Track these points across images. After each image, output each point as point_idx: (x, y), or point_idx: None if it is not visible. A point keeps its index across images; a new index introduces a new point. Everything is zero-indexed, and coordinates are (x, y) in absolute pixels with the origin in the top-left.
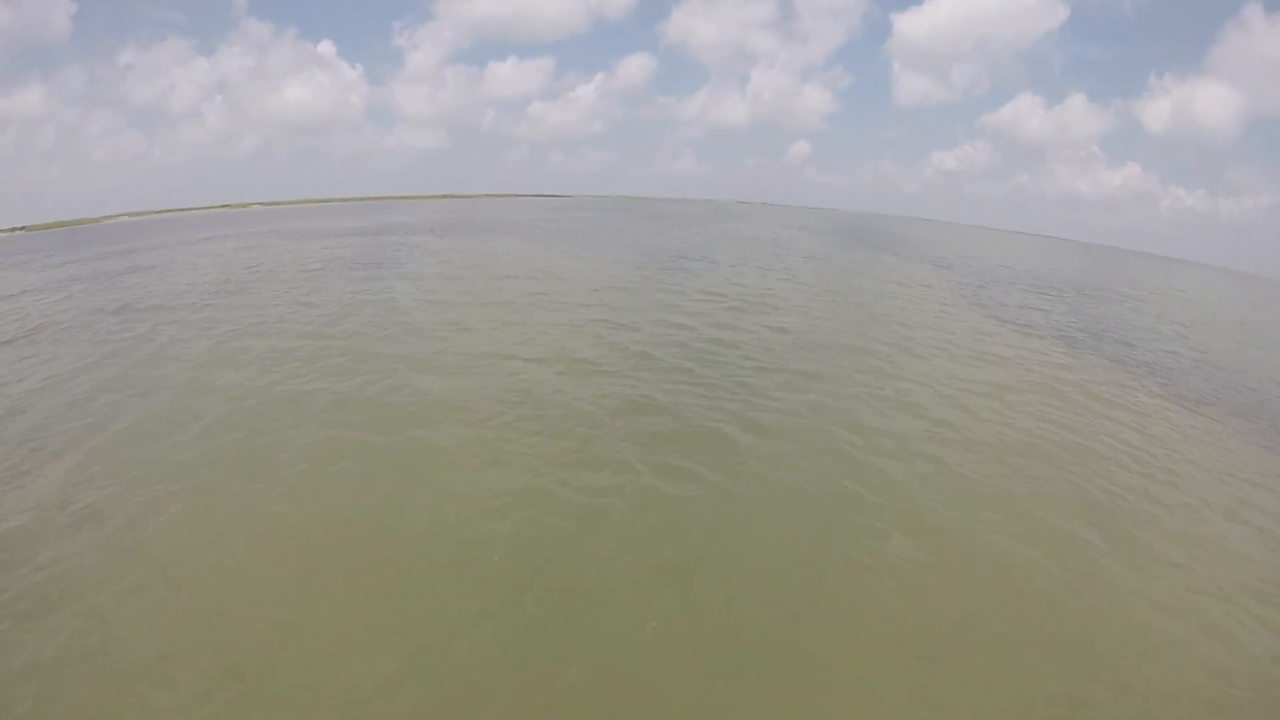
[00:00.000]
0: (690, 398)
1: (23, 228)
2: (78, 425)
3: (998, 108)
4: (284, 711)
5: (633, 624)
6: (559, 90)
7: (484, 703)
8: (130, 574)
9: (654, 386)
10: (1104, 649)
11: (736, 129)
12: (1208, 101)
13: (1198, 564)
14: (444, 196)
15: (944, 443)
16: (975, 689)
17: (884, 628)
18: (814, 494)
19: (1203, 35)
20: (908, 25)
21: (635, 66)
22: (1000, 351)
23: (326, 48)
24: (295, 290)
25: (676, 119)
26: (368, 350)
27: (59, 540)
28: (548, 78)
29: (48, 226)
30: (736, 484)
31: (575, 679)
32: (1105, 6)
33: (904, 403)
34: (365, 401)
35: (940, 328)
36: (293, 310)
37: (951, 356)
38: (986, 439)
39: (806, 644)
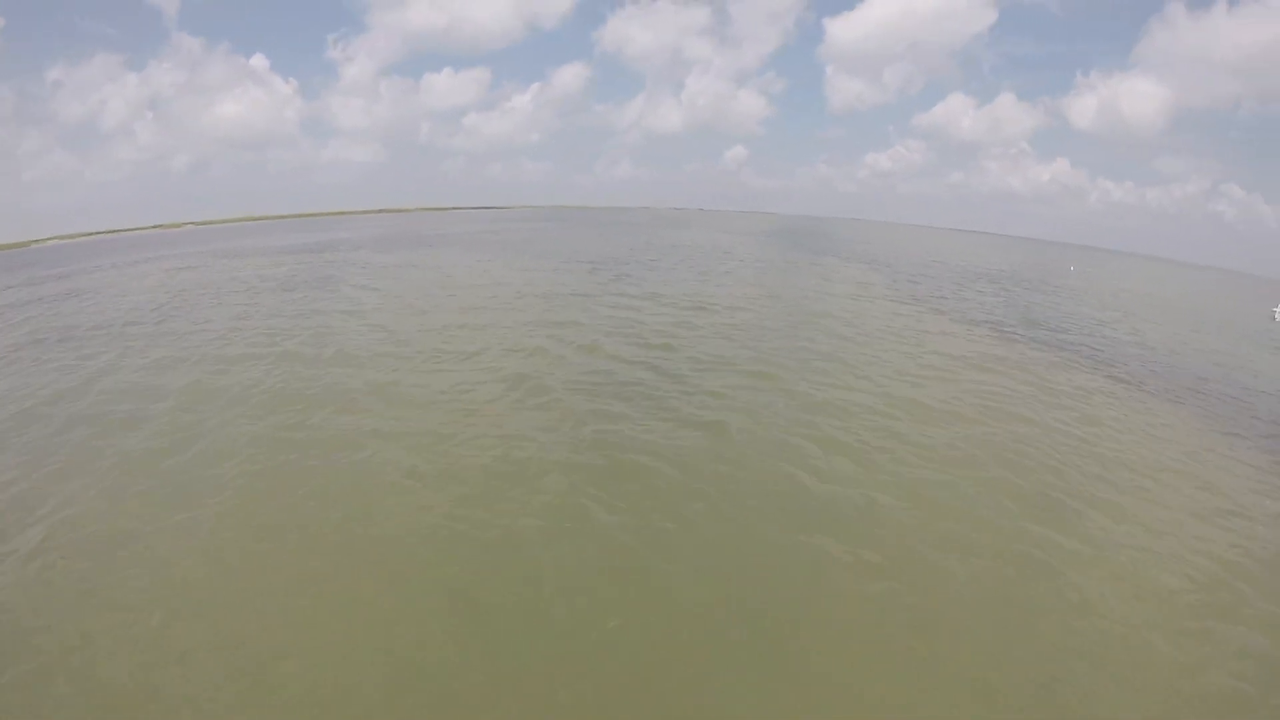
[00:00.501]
0: (645, 400)
1: None
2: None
3: (930, 108)
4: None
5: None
6: (495, 100)
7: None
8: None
9: (611, 390)
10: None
11: (673, 135)
12: (1133, 96)
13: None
14: (381, 211)
15: (891, 434)
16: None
17: (847, 620)
18: (765, 486)
19: (1127, 32)
20: (840, 29)
21: (571, 75)
22: (940, 343)
23: (259, 61)
24: (234, 310)
25: (613, 127)
26: (319, 373)
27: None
28: (483, 88)
29: None
30: (694, 480)
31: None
32: (1033, 7)
33: (851, 394)
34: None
35: (883, 325)
36: (233, 331)
37: (895, 351)
38: (936, 425)
39: (778, 637)
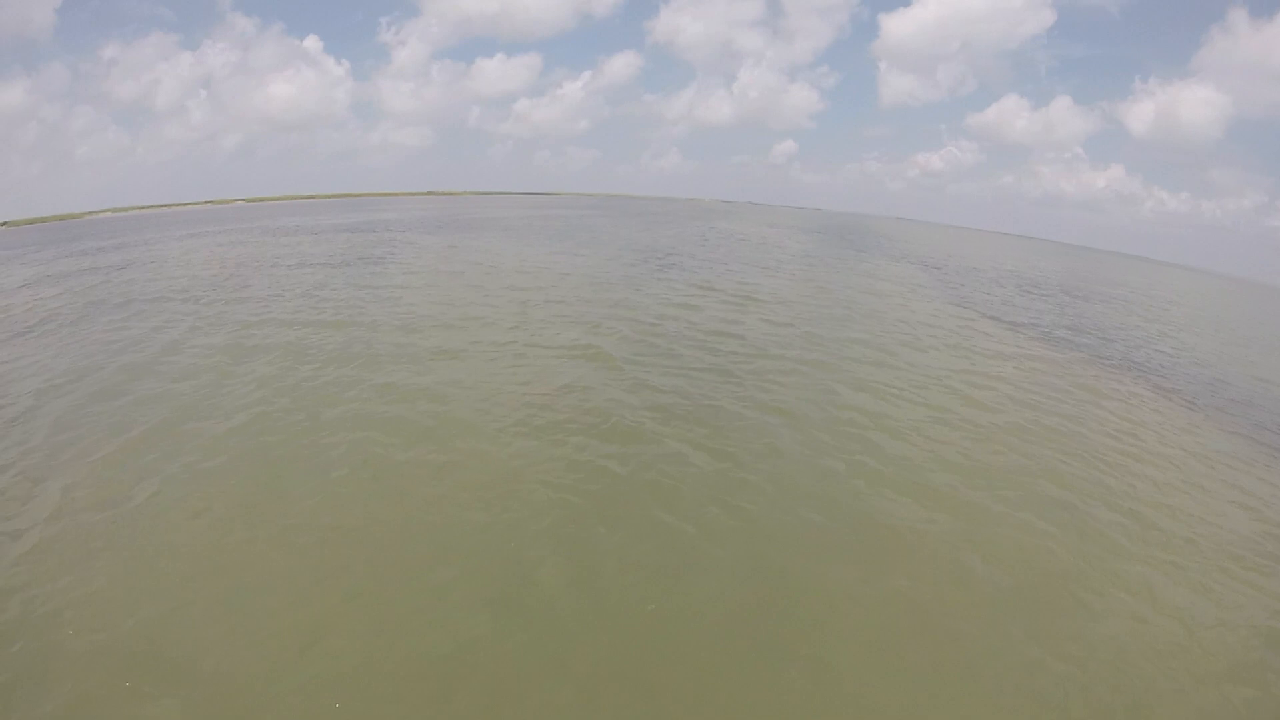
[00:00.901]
0: (692, 386)
1: (4, 223)
2: (106, 419)
3: (983, 108)
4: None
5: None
6: (545, 87)
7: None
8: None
9: (660, 375)
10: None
11: (722, 127)
12: (1192, 104)
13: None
14: (428, 194)
15: (939, 433)
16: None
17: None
18: (810, 478)
19: (1188, 38)
20: (895, 25)
21: (622, 64)
22: (991, 347)
23: (313, 43)
24: (298, 286)
25: (662, 117)
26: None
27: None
28: (534, 75)
29: (29, 222)
30: (738, 469)
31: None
32: (1091, 9)
33: (899, 392)
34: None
35: (932, 324)
36: (299, 306)
37: (947, 352)
38: (980, 427)
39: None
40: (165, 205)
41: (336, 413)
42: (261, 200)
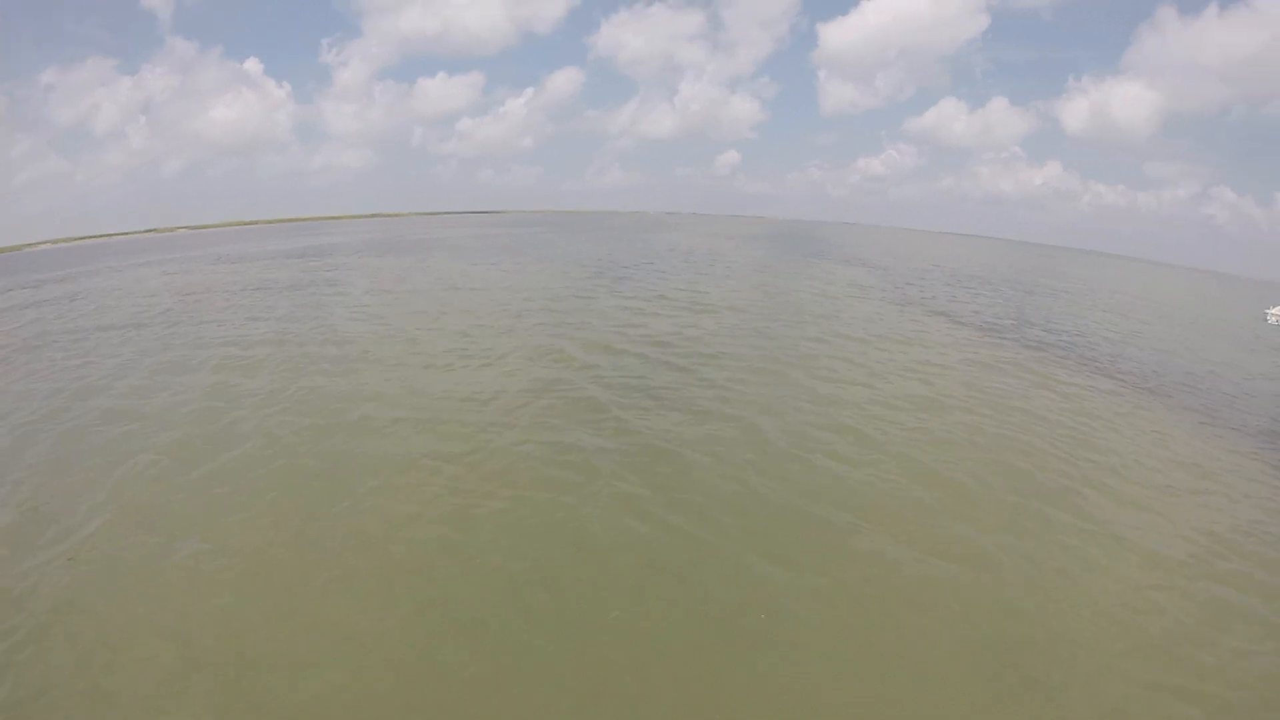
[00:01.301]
0: (662, 394)
1: None
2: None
3: (922, 113)
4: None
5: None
6: (488, 105)
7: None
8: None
9: (629, 386)
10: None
11: (665, 140)
12: (1124, 100)
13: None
14: (373, 216)
15: (895, 426)
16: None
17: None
18: (768, 473)
19: (1118, 37)
20: (834, 34)
21: (564, 80)
22: (934, 339)
23: (253, 65)
24: (239, 314)
25: (606, 132)
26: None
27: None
28: (476, 93)
29: None
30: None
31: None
32: (1024, 12)
33: (853, 388)
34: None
35: (877, 323)
36: (259, 332)
37: (891, 351)
38: (934, 415)
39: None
40: (107, 235)
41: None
42: (205, 227)
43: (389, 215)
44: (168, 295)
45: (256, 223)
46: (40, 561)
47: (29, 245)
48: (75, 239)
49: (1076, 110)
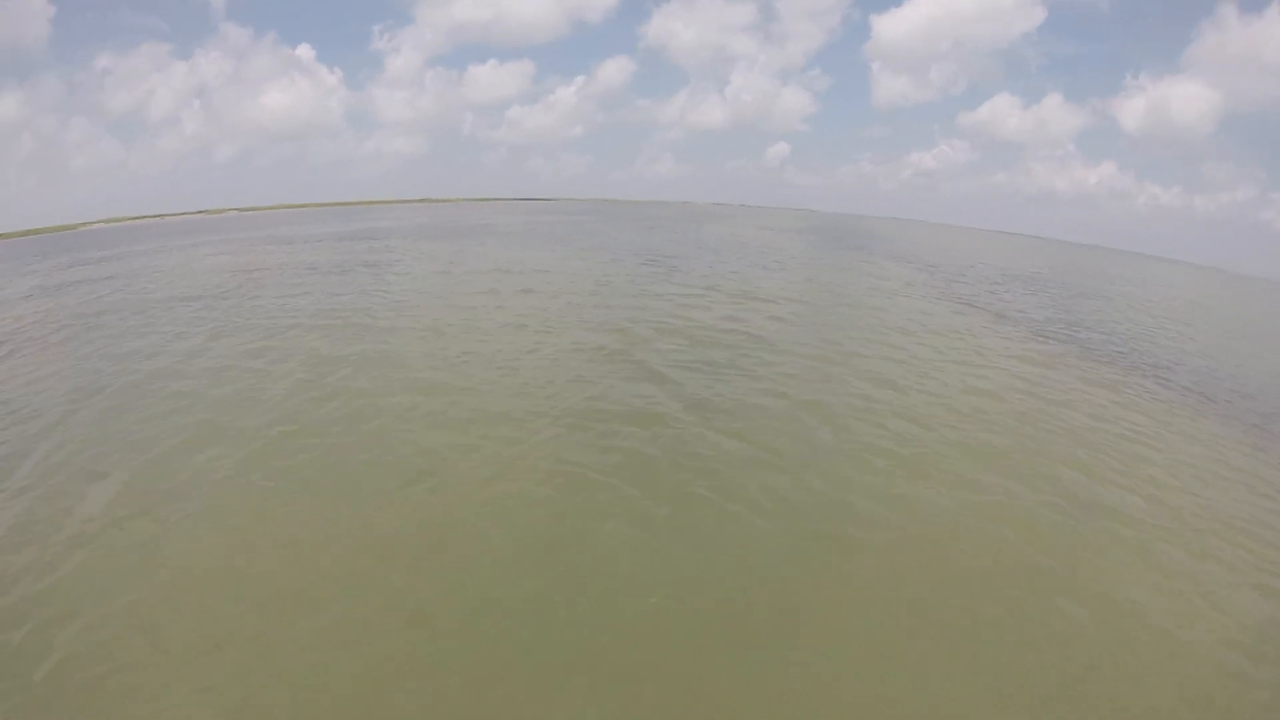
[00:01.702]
0: (707, 381)
1: None
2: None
3: (975, 107)
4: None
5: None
6: (538, 94)
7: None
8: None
9: (682, 368)
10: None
11: (716, 131)
12: (1183, 99)
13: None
14: (423, 201)
15: (943, 428)
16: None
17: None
18: (801, 469)
19: (1178, 34)
20: (887, 26)
21: (615, 69)
22: (988, 343)
23: (305, 52)
24: (307, 291)
25: (656, 122)
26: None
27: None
28: (527, 81)
29: (24, 234)
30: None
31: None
32: (1082, 6)
33: (906, 385)
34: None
35: (927, 320)
36: (316, 311)
37: (946, 345)
38: (984, 419)
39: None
40: (159, 215)
41: (371, 413)
42: (255, 210)
43: (438, 200)
44: (229, 273)
45: (308, 206)
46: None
47: (84, 224)
48: (127, 219)
49: (1134, 108)
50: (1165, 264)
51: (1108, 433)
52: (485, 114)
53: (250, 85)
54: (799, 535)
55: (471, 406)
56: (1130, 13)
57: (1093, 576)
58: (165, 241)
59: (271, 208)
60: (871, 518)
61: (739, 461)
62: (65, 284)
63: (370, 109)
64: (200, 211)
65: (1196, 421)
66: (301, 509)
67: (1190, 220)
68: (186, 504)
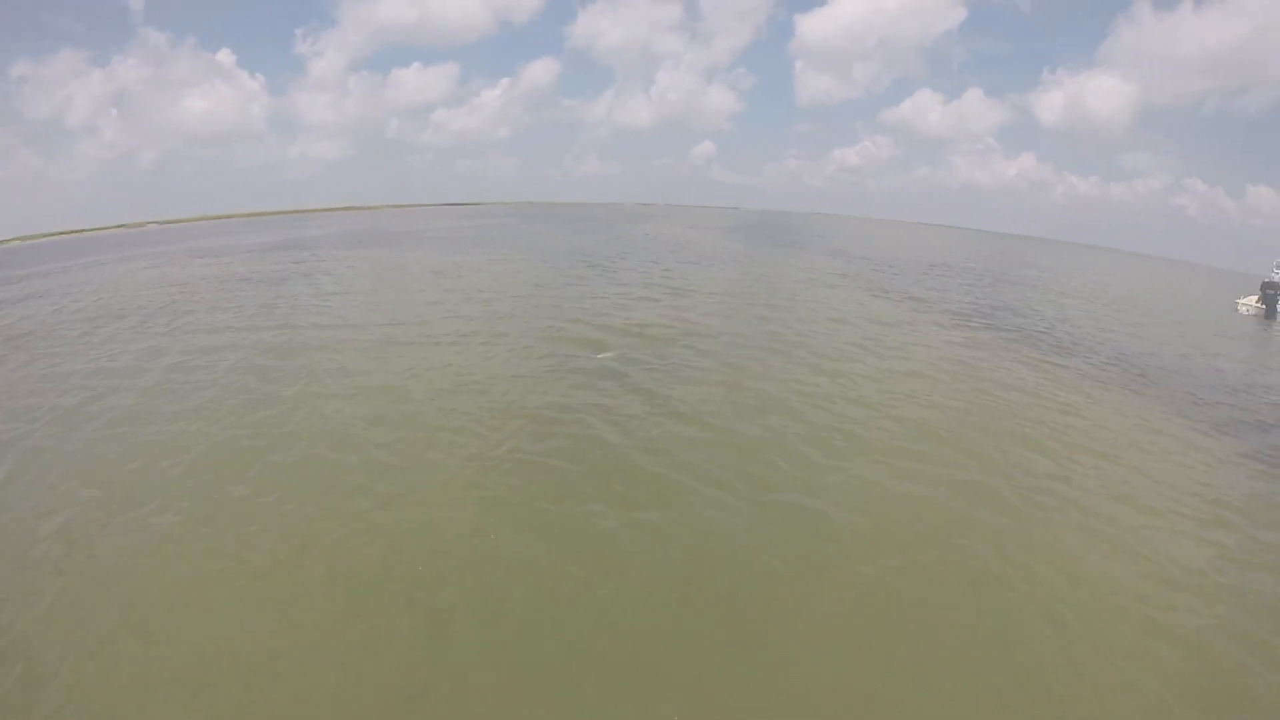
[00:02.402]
0: (650, 372)
1: None
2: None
3: (898, 103)
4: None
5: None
6: (464, 96)
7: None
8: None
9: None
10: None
11: (642, 130)
12: (1099, 93)
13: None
14: (348, 208)
15: (879, 410)
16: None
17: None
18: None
19: (1094, 30)
20: (811, 25)
21: (541, 70)
22: (923, 330)
23: (226, 57)
24: (239, 305)
25: (583, 122)
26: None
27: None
28: (452, 83)
29: None
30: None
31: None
32: (1002, 5)
33: (834, 378)
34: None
35: (855, 312)
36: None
37: (879, 337)
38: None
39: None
40: (78, 230)
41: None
42: (178, 221)
43: (365, 208)
44: (160, 288)
45: (230, 216)
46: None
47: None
48: (44, 235)
49: (1051, 102)
50: (1085, 250)
51: (1044, 409)
52: (410, 117)
53: (170, 91)
54: (775, 523)
55: (435, 410)
56: (1048, 9)
57: (1050, 543)
58: (87, 258)
59: (195, 219)
60: (839, 499)
61: (703, 448)
62: (11, 298)
63: (293, 114)
64: (120, 226)
65: (1121, 394)
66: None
67: (1108, 208)
68: (161, 514)
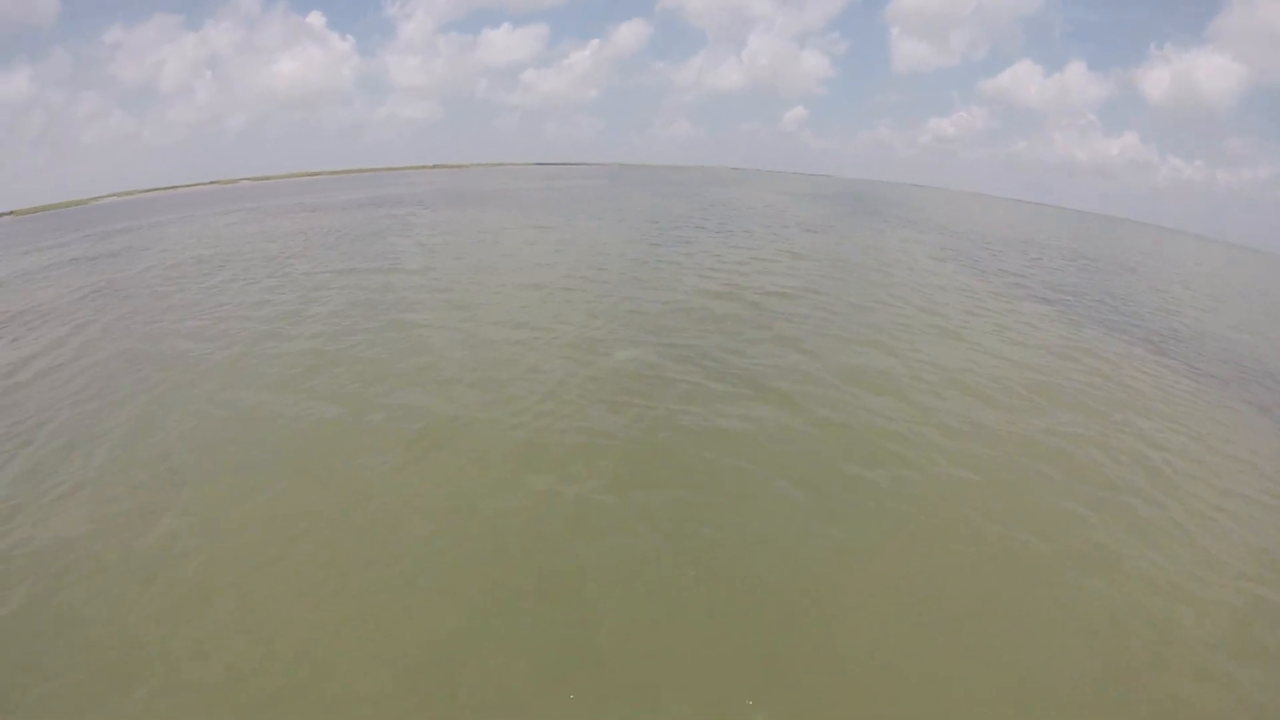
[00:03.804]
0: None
1: (10, 213)
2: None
3: (996, 74)
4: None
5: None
6: (553, 58)
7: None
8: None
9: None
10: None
11: (732, 94)
12: (1208, 71)
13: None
14: (435, 167)
15: (973, 406)
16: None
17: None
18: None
19: (1205, 4)
20: None
21: (631, 32)
22: (1030, 319)
23: (316, 19)
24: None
25: (671, 85)
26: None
27: None
28: (542, 45)
29: (33, 211)
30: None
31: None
32: None
33: (922, 367)
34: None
35: (957, 292)
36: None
37: (986, 326)
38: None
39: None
40: (172, 187)
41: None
42: (269, 179)
43: (452, 166)
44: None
45: (321, 174)
46: None
47: (95, 199)
48: (139, 192)
49: (1157, 79)
50: (1186, 238)
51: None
52: (499, 78)
53: (261, 54)
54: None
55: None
56: None
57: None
58: (183, 213)
59: (284, 176)
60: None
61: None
62: (101, 255)
63: (382, 75)
64: (213, 182)
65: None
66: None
67: (1211, 195)
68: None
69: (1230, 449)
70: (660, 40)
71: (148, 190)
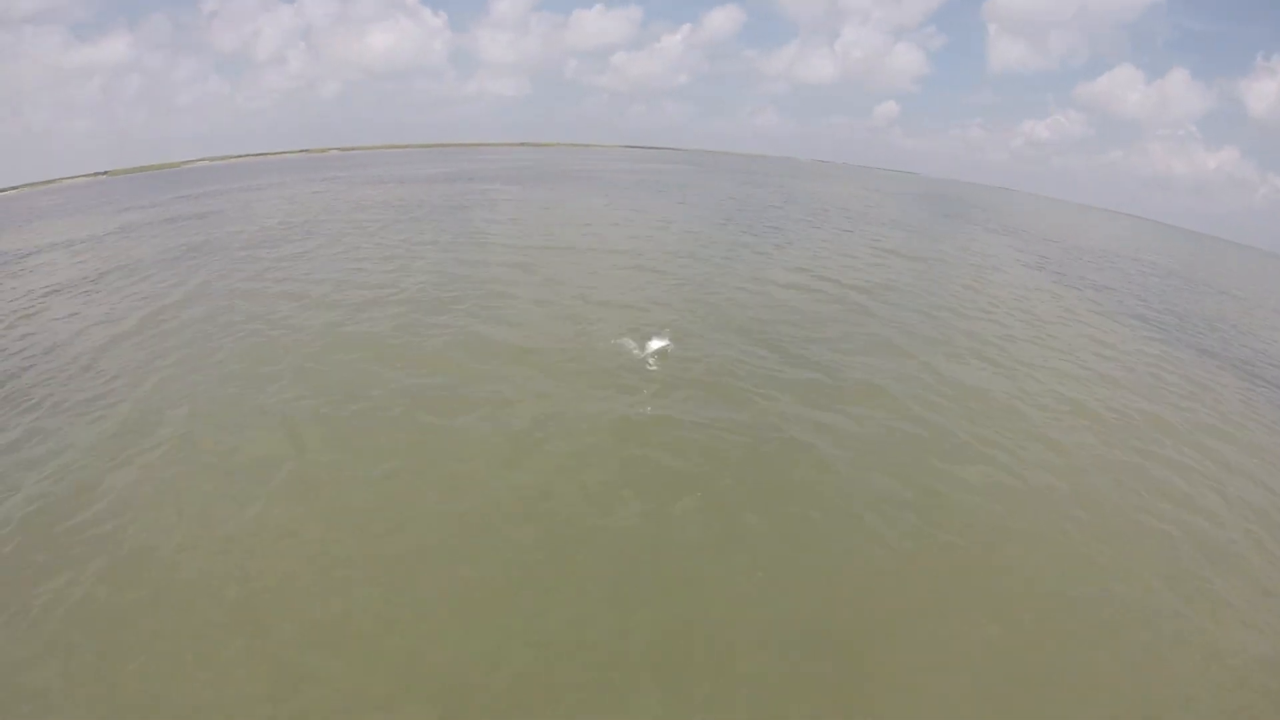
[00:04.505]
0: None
1: (105, 172)
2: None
3: (1094, 78)
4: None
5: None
6: (644, 40)
7: None
8: None
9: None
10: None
11: (822, 86)
12: None
13: None
14: (521, 145)
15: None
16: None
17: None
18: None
19: None
20: None
21: (723, 18)
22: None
23: None
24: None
25: (761, 74)
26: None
27: None
28: (633, 27)
29: (129, 171)
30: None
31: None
32: None
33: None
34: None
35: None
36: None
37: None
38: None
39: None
40: (262, 154)
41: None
42: (357, 149)
43: (537, 145)
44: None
45: (408, 146)
46: None
47: (187, 162)
48: (231, 157)
49: (1263, 91)
50: None
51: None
52: (588, 59)
53: (355, 25)
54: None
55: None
56: None
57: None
58: (274, 178)
59: (371, 147)
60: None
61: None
62: (197, 214)
63: (473, 51)
64: (303, 150)
65: None
66: None
67: None
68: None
69: None
70: (752, 27)
71: (238, 156)
